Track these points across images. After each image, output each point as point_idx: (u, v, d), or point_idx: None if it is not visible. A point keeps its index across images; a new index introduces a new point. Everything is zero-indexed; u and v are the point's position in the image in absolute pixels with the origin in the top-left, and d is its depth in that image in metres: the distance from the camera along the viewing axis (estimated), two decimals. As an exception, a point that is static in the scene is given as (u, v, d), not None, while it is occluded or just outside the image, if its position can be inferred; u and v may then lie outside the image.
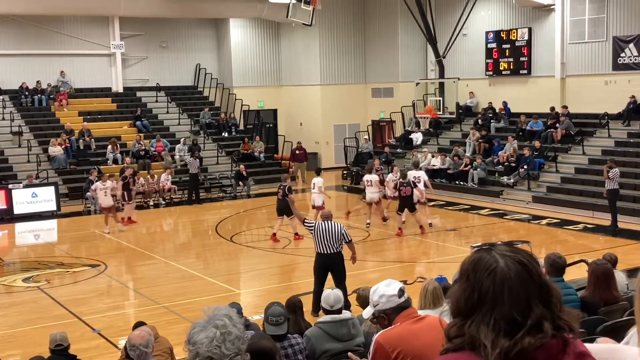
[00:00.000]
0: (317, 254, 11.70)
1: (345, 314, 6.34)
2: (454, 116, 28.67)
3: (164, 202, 24.87)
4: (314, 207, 19.61)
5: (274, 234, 18.06)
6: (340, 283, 11.12)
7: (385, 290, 3.99)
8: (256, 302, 12.85)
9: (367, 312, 4.17)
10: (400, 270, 15.05)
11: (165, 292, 13.84)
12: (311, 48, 32.38)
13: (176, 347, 7.83)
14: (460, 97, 28.83)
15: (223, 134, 30.39)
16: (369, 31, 32.62)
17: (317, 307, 10.81)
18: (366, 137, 30.57)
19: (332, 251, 11.48)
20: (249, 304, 12.68)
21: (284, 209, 17.37)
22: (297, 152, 29.58)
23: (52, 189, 23.63)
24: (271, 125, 33.87)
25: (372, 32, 32.40)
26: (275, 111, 34.35)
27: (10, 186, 23.12)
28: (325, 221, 11.59)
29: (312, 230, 11.58)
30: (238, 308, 7.66)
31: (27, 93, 28.99)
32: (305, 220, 12.00)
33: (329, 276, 11.70)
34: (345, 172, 29.72)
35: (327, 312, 6.36)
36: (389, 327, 3.92)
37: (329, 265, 11.59)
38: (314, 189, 19.83)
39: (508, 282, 1.87)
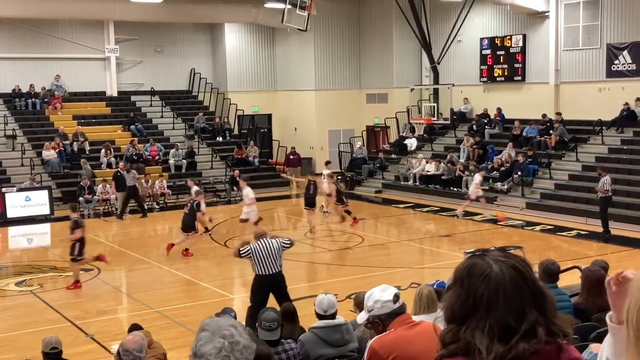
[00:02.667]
0: (256, 276, 10.96)
1: (339, 319, 6.34)
2: (449, 122, 28.73)
3: (157, 207, 24.83)
4: (328, 195, 21.63)
5: (172, 245, 17.74)
6: (286, 300, 10.30)
7: (380, 295, 3.99)
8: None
9: (361, 318, 4.17)
10: (394, 276, 15.03)
11: (159, 297, 13.81)
12: (306, 53, 32.41)
13: (169, 352, 7.81)
14: (455, 103, 28.89)
15: (217, 138, 30.37)
16: (364, 37, 32.68)
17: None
18: (360, 142, 30.59)
19: (274, 271, 10.86)
20: (243, 309, 12.64)
21: (188, 225, 17.43)
22: (291, 157, 29.58)
23: (45, 192, 23.56)
24: (266, 130, 33.85)
25: (367, 38, 32.47)
26: (269, 116, 34.35)
27: (4, 190, 23.06)
28: (261, 240, 10.97)
29: (248, 254, 10.89)
30: (232, 313, 7.66)
31: (20, 96, 28.93)
32: (240, 250, 11.13)
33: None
34: (339, 177, 29.68)
35: (320, 317, 6.35)
36: (384, 333, 3.93)
37: (271, 285, 10.94)
38: (324, 179, 21.89)
39: (502, 288, 1.88)
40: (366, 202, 26.06)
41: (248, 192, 19.05)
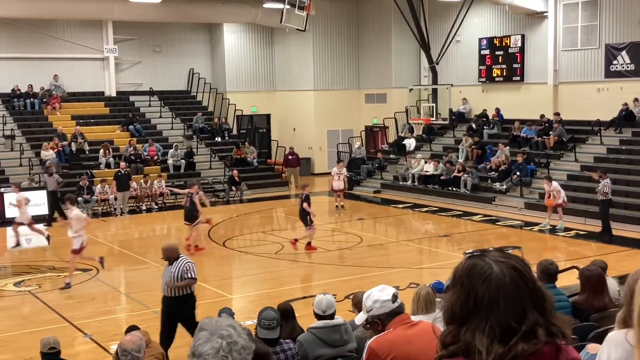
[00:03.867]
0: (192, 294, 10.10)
1: (338, 319, 6.34)
2: (447, 122, 28.74)
3: (156, 207, 24.82)
4: (335, 191, 24.14)
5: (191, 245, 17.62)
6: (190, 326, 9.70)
7: (379, 295, 3.98)
8: (248, 307, 12.83)
9: (360, 318, 4.16)
10: (392, 276, 15.03)
11: (157, 297, 13.72)
12: (305, 53, 32.42)
13: (168, 352, 7.80)
14: (454, 103, 28.90)
15: (216, 138, 30.36)
16: (362, 37, 32.69)
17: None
18: (359, 142, 30.60)
19: (166, 294, 9.97)
20: (242, 309, 12.66)
21: (190, 215, 17.74)
22: (290, 157, 29.57)
23: (44, 192, 23.51)
24: (264, 130, 33.86)
25: (366, 38, 32.48)
26: (268, 116, 34.35)
27: (2, 190, 23.02)
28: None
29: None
30: (230, 313, 7.67)
31: (19, 97, 28.91)
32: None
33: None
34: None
35: (319, 317, 6.35)
36: (382, 333, 3.92)
37: (173, 312, 9.94)
38: (335, 176, 24.23)
39: (503, 288, 1.88)
40: (365, 202, 26.06)
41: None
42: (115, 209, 23.95)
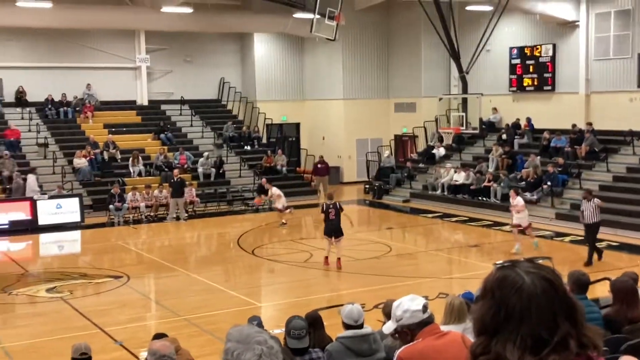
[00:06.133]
0: None
1: (367, 329, 6.33)
2: (477, 132, 28.58)
3: (186, 215, 25.01)
4: None
5: (327, 258, 16.75)
6: None
7: (409, 305, 3.98)
8: (277, 316, 12.86)
9: (389, 327, 4.15)
10: (421, 285, 14.96)
11: (187, 305, 13.90)
12: (334, 63, 32.50)
13: (197, 359, 7.86)
14: (484, 112, 28.73)
15: (246, 147, 30.54)
16: (392, 46, 32.68)
17: None
18: (388, 151, 30.55)
19: None
20: (270, 317, 12.68)
21: (336, 229, 16.53)
22: (319, 165, 29.61)
23: (76, 200, 23.86)
24: (294, 139, 33.98)
25: (396, 47, 32.46)
26: (298, 125, 34.47)
27: (35, 197, 23.38)
28: None
29: None
30: (258, 321, 7.68)
31: (52, 105, 29.37)
32: None
33: None
34: (367, 186, 29.71)
35: (348, 327, 6.35)
36: (412, 343, 3.91)
37: None
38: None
39: (535, 299, 1.88)
40: (394, 212, 26.00)
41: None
42: (150, 216, 24.27)
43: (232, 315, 12.95)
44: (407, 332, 3.97)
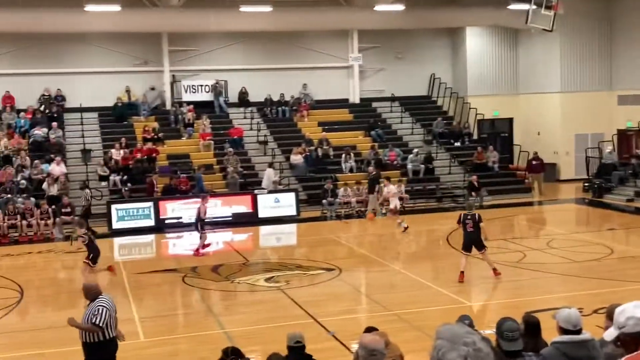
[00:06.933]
0: (105, 342, 8.68)
1: (585, 335, 5.95)
2: None
3: (383, 212, 25.18)
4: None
5: (462, 273, 15.30)
6: None
7: (633, 312, 3.67)
8: (488, 316, 12.55)
9: (611, 334, 3.87)
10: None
11: (396, 300, 13.99)
12: (551, 54, 31.06)
13: (406, 355, 7.86)
14: None
15: (456, 143, 30.15)
16: (615, 34, 30.57)
17: None
18: (611, 147, 28.66)
19: (115, 334, 8.91)
20: (480, 317, 12.40)
21: (475, 241, 15.26)
22: (533, 162, 28.51)
23: (292, 195, 24.99)
24: (506, 134, 33.00)
25: (620, 34, 30.32)
26: (510, 120, 33.42)
27: (255, 192, 24.81)
28: (106, 295, 9.09)
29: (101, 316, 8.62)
30: (470, 321, 7.52)
31: (271, 105, 30.98)
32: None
33: None
34: (586, 184, 28.09)
35: (565, 331, 6.02)
36: (636, 353, 3.61)
37: (114, 353, 8.95)
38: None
39: None
40: (616, 211, 24.34)
41: None
42: (357, 212, 24.76)
43: (441, 312, 12.83)
44: (631, 341, 3.67)
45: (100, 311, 8.40)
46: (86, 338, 8.57)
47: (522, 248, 18.46)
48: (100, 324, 8.40)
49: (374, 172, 25.05)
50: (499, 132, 32.31)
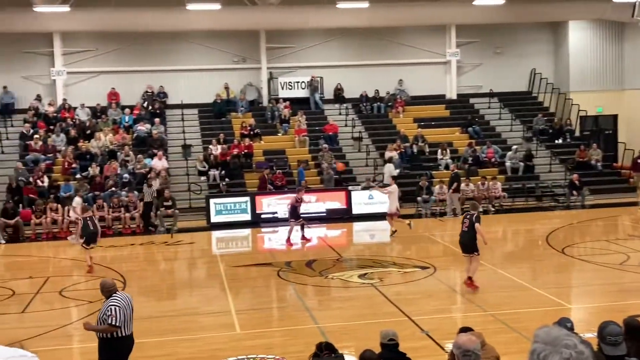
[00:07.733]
0: (120, 338, 8.68)
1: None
2: None
3: (493, 209, 24.72)
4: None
5: (470, 279, 14.50)
6: None
7: None
8: (589, 320, 12.11)
9: None
10: None
11: (492, 300, 13.72)
12: (660, 48, 29.68)
13: (503, 356, 7.69)
14: None
15: (557, 140, 29.26)
16: None
17: None
18: None
19: (132, 330, 8.91)
20: (580, 320, 11.98)
21: (463, 243, 14.48)
22: (638, 161, 27.33)
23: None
24: (610, 131, 31.78)
25: None
26: (615, 117, 32.15)
27: (350, 188, 24.86)
28: (121, 293, 9.04)
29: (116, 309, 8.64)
30: (569, 324, 7.29)
31: (366, 101, 30.94)
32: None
33: None
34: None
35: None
36: None
37: (129, 349, 8.94)
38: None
39: None
40: None
41: None
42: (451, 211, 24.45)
43: (539, 314, 12.49)
44: None
45: (113, 311, 8.55)
46: (101, 334, 8.73)
47: (625, 250, 17.74)
48: (117, 324, 8.55)
49: (455, 170, 24.71)
50: (602, 129, 31.14)
